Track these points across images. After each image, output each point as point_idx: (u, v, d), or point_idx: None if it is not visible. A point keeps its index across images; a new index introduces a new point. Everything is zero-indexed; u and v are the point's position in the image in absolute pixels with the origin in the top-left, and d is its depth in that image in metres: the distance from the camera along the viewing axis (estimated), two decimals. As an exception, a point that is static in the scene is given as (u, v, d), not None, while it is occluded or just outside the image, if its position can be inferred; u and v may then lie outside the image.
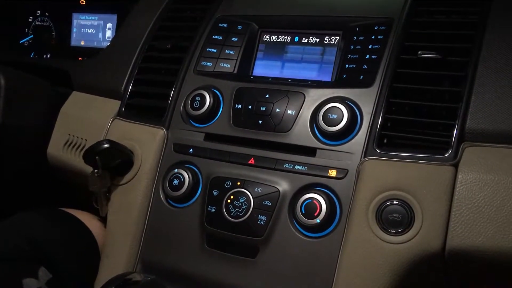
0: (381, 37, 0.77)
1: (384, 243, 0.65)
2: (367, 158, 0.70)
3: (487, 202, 0.62)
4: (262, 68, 0.85)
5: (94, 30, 1.23)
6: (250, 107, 0.79)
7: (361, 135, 0.71)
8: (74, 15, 1.24)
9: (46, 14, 1.28)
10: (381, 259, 0.65)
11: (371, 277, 0.65)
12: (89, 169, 0.82)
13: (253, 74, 0.85)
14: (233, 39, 0.87)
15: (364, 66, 0.76)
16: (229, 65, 0.85)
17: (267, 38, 0.86)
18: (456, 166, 0.65)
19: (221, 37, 0.88)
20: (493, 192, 0.62)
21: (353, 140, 0.72)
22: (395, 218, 0.65)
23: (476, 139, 0.66)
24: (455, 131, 0.67)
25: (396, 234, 0.65)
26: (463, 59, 0.70)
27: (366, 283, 0.65)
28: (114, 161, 0.81)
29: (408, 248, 0.64)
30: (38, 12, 1.28)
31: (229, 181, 0.76)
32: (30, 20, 1.28)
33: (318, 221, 0.69)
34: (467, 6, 0.75)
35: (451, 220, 0.63)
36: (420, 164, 0.66)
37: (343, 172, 0.71)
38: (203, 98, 0.81)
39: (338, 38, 0.81)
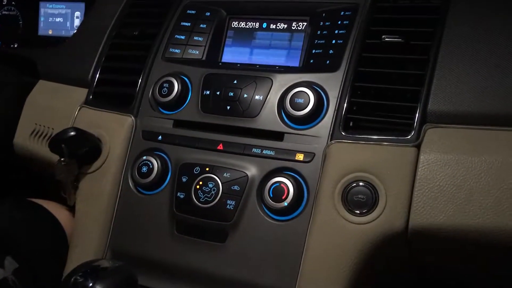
0: (347, 22, 0.78)
1: (349, 223, 0.66)
2: (333, 141, 0.70)
3: (448, 182, 0.63)
4: (231, 54, 0.85)
5: (62, 18, 1.20)
6: (218, 93, 0.79)
7: (328, 119, 0.72)
8: (42, 4, 1.22)
9: (13, 3, 1.24)
10: (347, 239, 0.66)
11: (337, 257, 0.66)
12: (56, 158, 0.81)
13: (222, 60, 0.85)
14: (201, 25, 0.87)
15: (330, 51, 0.77)
16: (197, 52, 0.85)
17: (236, 25, 0.86)
18: (418, 147, 0.66)
19: (189, 24, 0.87)
20: (453, 171, 0.63)
21: (319, 124, 0.72)
22: (360, 199, 0.66)
23: (438, 120, 0.67)
24: (417, 113, 0.68)
25: (361, 214, 0.66)
26: (426, 43, 0.71)
27: (332, 263, 0.66)
28: (81, 149, 0.80)
29: (373, 228, 0.65)
30: (5, 1, 1.25)
31: (197, 167, 0.76)
32: (-4, 9, 1.25)
33: (285, 204, 0.69)
34: (430, -10, 0.76)
35: (413, 200, 0.64)
36: (384, 146, 0.68)
37: (310, 156, 0.71)
38: (171, 85, 0.81)
39: (305, 23, 0.82)
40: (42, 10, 1.22)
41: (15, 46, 1.22)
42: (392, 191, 0.65)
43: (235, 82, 0.78)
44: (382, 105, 0.71)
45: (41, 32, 1.22)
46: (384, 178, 0.66)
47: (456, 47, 0.70)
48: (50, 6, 1.21)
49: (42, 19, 1.22)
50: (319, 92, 0.73)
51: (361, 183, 0.67)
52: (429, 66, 0.70)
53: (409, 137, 0.67)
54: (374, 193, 0.66)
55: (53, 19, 1.21)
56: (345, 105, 0.72)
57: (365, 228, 0.65)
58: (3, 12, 1.24)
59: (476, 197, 0.61)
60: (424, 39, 0.72)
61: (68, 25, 1.20)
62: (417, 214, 0.64)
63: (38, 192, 0.90)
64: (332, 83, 0.74)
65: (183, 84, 0.81)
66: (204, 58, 0.84)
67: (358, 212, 0.66)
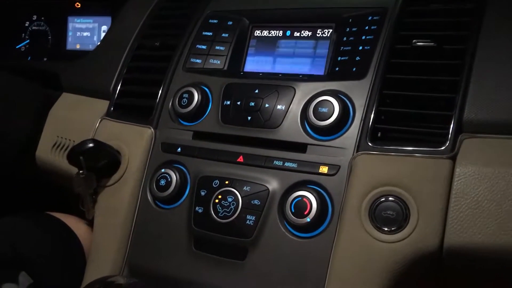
0: (375, 27, 0.74)
1: (377, 242, 0.61)
2: (359, 153, 0.66)
3: (487, 197, 0.57)
4: (253, 64, 0.82)
5: (89, 33, 1.21)
6: (238, 103, 0.76)
7: (354, 129, 0.68)
8: (70, 19, 1.23)
9: (42, 18, 1.27)
10: (375, 259, 0.61)
11: (364, 278, 0.61)
12: (75, 170, 0.79)
13: (244, 70, 0.82)
14: (223, 35, 0.84)
15: (357, 58, 0.73)
16: (219, 62, 0.82)
17: (259, 33, 0.83)
18: (453, 159, 0.61)
19: (211, 33, 0.85)
20: (492, 185, 0.57)
21: (345, 135, 0.68)
22: (389, 215, 0.61)
23: (475, 130, 0.62)
24: (452, 123, 0.63)
25: (391, 232, 0.61)
26: (460, 47, 0.66)
27: (359, 284, 0.61)
28: (100, 161, 0.79)
29: (403, 246, 0.60)
30: (34, 17, 1.27)
31: (217, 180, 0.73)
32: (26, 25, 1.27)
33: (308, 220, 0.65)
34: (464, -8, 0.71)
35: (448, 216, 0.59)
36: (415, 158, 0.63)
37: (335, 168, 0.67)
38: (191, 95, 0.78)
39: (331, 30, 0.78)
40: (70, 25, 1.23)
41: (44, 60, 1.23)
42: (424, 207, 0.60)
43: (257, 91, 0.75)
44: (412, 114, 0.66)
45: (69, 46, 1.23)
46: (416, 192, 0.61)
47: (494, 50, 0.65)
48: (78, 20, 1.22)
49: (70, 33, 1.23)
50: (345, 101, 0.69)
51: (390, 198, 0.62)
52: (465, 72, 0.64)
53: (443, 148, 0.62)
54: (404, 209, 0.61)
55: (80, 33, 1.22)
56: (373, 114, 0.67)
57: (394, 247, 0.60)
58: (33, 28, 1.26)
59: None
60: (458, 43, 0.67)
61: (95, 39, 1.20)
62: (453, 232, 0.58)
63: (59, 206, 0.89)
64: (359, 92, 0.70)
65: (203, 95, 0.78)
66: (225, 68, 0.81)
67: (387, 229, 0.61)
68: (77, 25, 1.23)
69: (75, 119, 0.90)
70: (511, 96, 0.61)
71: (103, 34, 1.19)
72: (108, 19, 1.19)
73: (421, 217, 0.60)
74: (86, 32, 1.22)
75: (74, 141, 0.87)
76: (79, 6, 1.23)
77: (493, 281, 0.64)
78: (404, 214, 0.60)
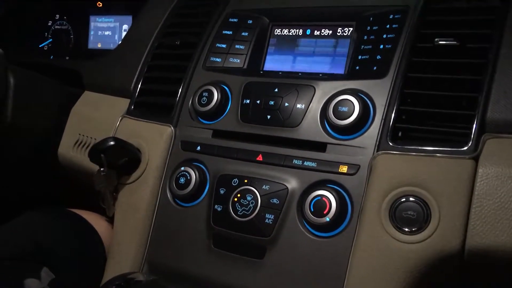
0: (396, 25, 0.73)
1: (398, 242, 0.60)
2: (380, 153, 0.65)
3: (510, 198, 0.56)
4: (273, 62, 0.82)
5: (110, 32, 1.23)
6: (258, 102, 0.76)
7: (374, 129, 0.67)
8: (92, 18, 1.25)
9: (65, 17, 1.28)
10: (395, 259, 0.60)
11: (384, 278, 0.60)
12: (97, 168, 0.80)
13: (264, 69, 0.82)
14: (243, 33, 0.84)
15: (378, 57, 0.72)
16: (238, 60, 0.83)
17: (278, 32, 0.83)
18: (476, 159, 0.60)
19: (231, 32, 0.85)
20: (516, 186, 0.56)
21: (365, 134, 0.68)
22: (409, 215, 0.60)
23: (498, 130, 0.61)
24: (475, 122, 0.62)
25: (411, 233, 0.60)
26: (483, 45, 0.65)
27: (378, 284, 0.60)
28: (121, 159, 0.79)
29: (424, 247, 0.59)
30: (57, 16, 1.29)
31: (236, 179, 0.73)
32: (49, 24, 1.30)
33: (327, 219, 0.65)
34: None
35: (471, 217, 0.58)
36: (437, 158, 0.62)
37: (354, 168, 0.67)
38: (210, 94, 0.78)
39: (351, 29, 0.77)
40: (92, 24, 1.25)
41: (67, 59, 1.25)
42: (446, 208, 0.59)
43: (276, 90, 0.75)
44: (434, 113, 0.65)
45: (90, 45, 1.24)
46: (437, 193, 0.60)
47: (519, 49, 0.63)
48: (100, 20, 1.24)
49: (92, 32, 1.25)
50: (365, 100, 0.68)
51: (411, 198, 0.61)
52: (488, 71, 0.63)
53: (465, 148, 0.61)
54: (425, 209, 0.60)
55: (102, 32, 1.24)
56: (393, 113, 0.66)
57: (415, 248, 0.59)
58: (56, 27, 1.28)
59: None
60: (482, 41, 0.66)
61: (116, 38, 1.22)
62: (475, 233, 0.57)
63: (80, 203, 0.90)
64: (379, 91, 0.69)
65: (222, 93, 0.78)
66: (245, 67, 0.82)
67: (407, 230, 0.60)
68: (99, 24, 1.24)
69: (97, 117, 0.91)
70: (535, 96, 0.60)
71: (124, 33, 1.20)
72: (129, 18, 1.20)
73: (443, 218, 0.59)
74: (108, 31, 1.23)
75: (95, 139, 0.89)
76: (100, 5, 1.24)
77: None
78: (425, 214, 0.60)
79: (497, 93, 0.62)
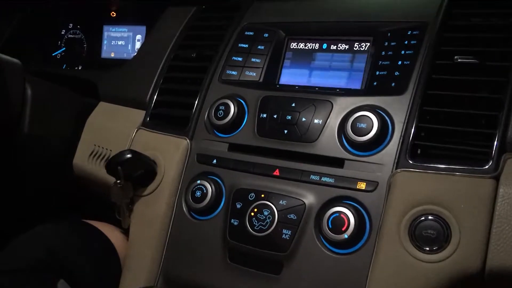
0: (414, 42, 0.73)
1: (417, 261, 0.60)
2: (399, 170, 0.65)
3: (532, 219, 0.56)
4: (289, 76, 0.82)
5: (124, 42, 1.23)
6: (275, 116, 0.76)
7: (393, 146, 0.67)
8: (105, 27, 1.26)
9: (78, 26, 1.29)
10: (414, 278, 0.60)
11: (403, 298, 0.60)
12: (112, 180, 0.81)
13: (280, 82, 0.82)
14: (259, 47, 0.85)
15: (396, 73, 0.72)
16: (254, 74, 0.83)
17: (295, 46, 0.83)
18: (497, 178, 0.60)
19: (247, 45, 0.86)
20: (538, 207, 0.56)
21: (383, 151, 0.68)
22: (429, 234, 0.60)
23: (519, 149, 0.61)
24: (495, 141, 0.62)
25: (431, 252, 0.60)
26: (504, 64, 0.65)
27: (397, 304, 0.60)
28: (137, 171, 0.80)
29: (444, 267, 0.59)
30: (70, 25, 1.30)
31: (252, 193, 0.73)
32: (62, 33, 1.30)
33: (346, 236, 0.64)
34: (507, 8, 0.70)
35: (491, 237, 0.57)
36: (457, 177, 0.62)
37: (373, 185, 0.66)
38: (227, 107, 0.79)
39: (368, 44, 0.77)
40: (105, 34, 1.26)
41: (79, 68, 1.26)
42: (466, 227, 0.59)
43: (293, 105, 0.75)
44: (454, 131, 0.65)
45: (104, 55, 1.25)
46: (458, 212, 0.60)
47: (540, 68, 0.63)
48: (113, 29, 1.25)
49: (105, 42, 1.26)
50: (384, 116, 0.68)
51: (430, 217, 0.61)
52: (509, 89, 0.63)
53: (486, 167, 0.61)
54: (446, 228, 0.60)
55: (115, 42, 1.24)
56: (413, 130, 0.66)
57: (436, 267, 0.59)
58: (69, 36, 1.29)
59: None
60: (502, 59, 0.66)
61: (129, 48, 1.22)
62: (496, 253, 0.57)
63: (95, 214, 0.90)
64: (398, 107, 0.69)
65: (239, 107, 0.78)
66: (261, 80, 0.82)
67: (427, 249, 0.60)
68: (112, 34, 1.25)
69: (112, 128, 0.92)
70: (557, 114, 0.60)
71: (137, 43, 1.21)
72: (143, 28, 1.21)
73: (463, 237, 0.59)
74: (121, 40, 1.24)
75: (111, 150, 0.89)
76: (114, 15, 1.25)
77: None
78: (446, 233, 0.59)
79: (518, 112, 0.62)
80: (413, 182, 0.63)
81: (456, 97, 0.66)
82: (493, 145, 0.62)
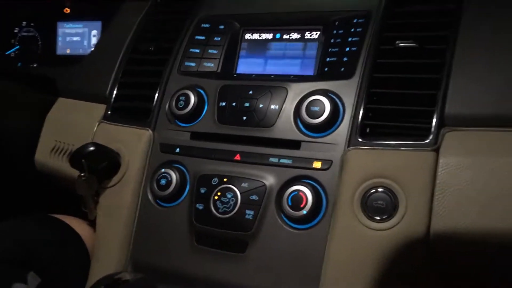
0: (360, 29, 0.78)
1: (369, 230, 0.66)
2: (350, 148, 0.70)
3: (469, 185, 0.62)
4: (246, 65, 0.86)
5: (79, 37, 1.23)
6: (234, 104, 0.79)
7: (344, 126, 0.72)
8: (59, 24, 1.25)
9: (32, 24, 1.28)
10: (368, 246, 0.65)
11: (358, 264, 0.65)
12: (76, 173, 0.82)
13: (237, 72, 0.86)
14: (215, 38, 0.88)
15: (345, 59, 0.77)
16: (212, 64, 0.86)
17: (249, 36, 0.87)
18: (437, 151, 0.66)
19: (203, 37, 0.89)
20: (474, 174, 0.62)
21: (336, 131, 0.72)
22: (380, 205, 0.66)
23: (456, 123, 0.67)
24: (434, 117, 0.68)
25: (382, 221, 0.65)
26: (440, 47, 0.71)
27: (353, 270, 0.65)
28: (101, 164, 0.81)
29: (394, 233, 0.64)
30: (24, 23, 1.28)
31: (215, 178, 0.76)
32: (16, 31, 1.29)
33: (304, 212, 0.69)
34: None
35: (434, 204, 0.63)
36: (402, 151, 0.67)
37: (327, 163, 0.71)
38: (187, 98, 0.81)
39: (318, 32, 0.82)
40: (59, 30, 1.25)
41: (35, 66, 1.25)
42: (412, 196, 0.65)
43: (251, 92, 0.79)
44: (398, 110, 0.70)
45: (59, 51, 1.24)
46: (404, 183, 0.65)
47: (472, 49, 0.70)
48: (68, 26, 1.24)
49: (60, 38, 1.25)
50: (335, 99, 0.73)
51: (380, 189, 0.66)
52: (445, 70, 0.69)
53: (427, 141, 0.67)
54: (393, 198, 0.65)
55: (70, 38, 1.24)
56: (361, 111, 0.71)
57: (386, 234, 0.65)
58: (23, 34, 1.28)
59: (500, 200, 0.60)
60: (439, 42, 0.72)
61: (85, 43, 1.22)
62: (438, 218, 0.63)
63: (60, 208, 0.91)
64: (348, 90, 0.74)
65: (199, 97, 0.82)
66: (219, 70, 0.85)
67: (378, 218, 0.65)
68: (67, 30, 1.24)
69: (73, 123, 0.93)
70: (486, 91, 0.66)
71: (93, 39, 1.21)
72: (98, 24, 1.21)
73: (409, 205, 0.65)
74: (76, 37, 1.23)
75: (73, 144, 0.90)
76: (68, 12, 1.25)
77: (478, 263, 0.69)
78: (393, 203, 0.65)
79: (453, 91, 0.68)
80: (363, 159, 0.69)
81: (399, 78, 0.72)
82: (432, 121, 0.67)
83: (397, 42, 0.73)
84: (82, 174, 0.81)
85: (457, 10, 0.73)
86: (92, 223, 0.86)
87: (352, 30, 0.79)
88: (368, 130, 0.71)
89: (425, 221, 0.63)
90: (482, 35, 0.70)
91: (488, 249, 0.63)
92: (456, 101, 0.67)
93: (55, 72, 1.02)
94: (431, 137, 0.67)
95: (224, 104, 0.80)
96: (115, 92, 0.91)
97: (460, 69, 0.68)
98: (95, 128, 0.89)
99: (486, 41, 0.69)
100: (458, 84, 0.68)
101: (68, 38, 1.24)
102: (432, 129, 0.67)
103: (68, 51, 1.23)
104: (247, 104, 0.78)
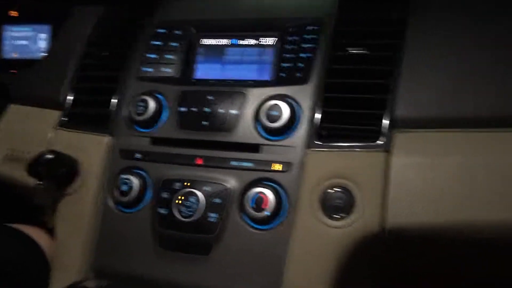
0: (314, 36, 0.81)
1: (329, 228, 0.69)
2: (308, 150, 0.74)
3: (419, 183, 0.67)
4: (204, 71, 0.87)
5: (27, 41, 1.19)
6: (194, 109, 0.81)
7: (302, 129, 0.76)
8: (5, 27, 1.20)
9: (-26, 27, 1.23)
10: (328, 243, 0.69)
11: (319, 261, 0.69)
12: (33, 181, 0.80)
13: (195, 77, 0.87)
14: (172, 44, 0.88)
15: (300, 64, 0.80)
16: (170, 70, 0.87)
17: (206, 42, 0.89)
18: (388, 151, 0.70)
19: (160, 43, 0.89)
20: (423, 173, 0.68)
21: (294, 134, 0.76)
22: (337, 204, 0.70)
23: (405, 125, 0.72)
24: (384, 120, 0.72)
25: (340, 219, 0.69)
26: (388, 54, 0.76)
27: (315, 267, 0.69)
28: (59, 171, 0.80)
29: (352, 231, 0.68)
30: (-35, 26, 1.23)
31: (178, 183, 0.78)
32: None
33: (266, 213, 0.72)
34: (389, 3, 0.81)
35: (387, 202, 0.68)
36: (356, 152, 0.72)
37: (287, 165, 0.74)
38: (146, 103, 0.82)
39: (274, 39, 0.85)
40: (5, 33, 1.21)
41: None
42: (367, 195, 0.69)
43: (211, 97, 0.81)
44: (352, 113, 0.75)
45: (5, 55, 1.20)
46: (359, 182, 0.70)
47: (419, 55, 0.75)
48: (16, 29, 1.20)
49: (6, 42, 1.21)
50: (292, 104, 0.76)
51: (337, 189, 0.70)
52: (394, 75, 0.74)
53: (379, 142, 0.71)
54: (350, 197, 0.69)
55: (17, 42, 1.20)
56: (318, 115, 0.75)
57: (344, 232, 0.69)
58: (-35, 37, 1.22)
59: (447, 196, 0.66)
60: (387, 50, 0.77)
61: (33, 47, 1.19)
62: (392, 215, 0.68)
63: (16, 217, 0.89)
64: (304, 95, 0.77)
65: (158, 102, 0.82)
66: (177, 76, 0.86)
67: (337, 216, 0.69)
68: (14, 34, 1.20)
69: (27, 131, 0.90)
70: (434, 95, 0.72)
71: (41, 42, 1.18)
72: (47, 27, 1.18)
73: (365, 204, 0.69)
74: (24, 40, 1.20)
75: (28, 152, 0.88)
76: (15, 15, 1.21)
77: (432, 256, 0.74)
78: (350, 202, 0.69)
79: (402, 95, 0.73)
80: (321, 160, 0.73)
81: (352, 84, 0.76)
82: (383, 123, 0.72)
83: (348, 49, 0.77)
84: (39, 183, 0.79)
85: (404, 18, 0.78)
86: (52, 232, 0.85)
87: (306, 36, 0.82)
88: (324, 133, 0.75)
89: (379, 218, 0.68)
90: (428, 41, 0.76)
91: (441, 243, 0.68)
92: (404, 104, 0.72)
93: (5, 77, 0.99)
94: (382, 138, 0.71)
95: (184, 109, 0.81)
96: (70, 97, 0.90)
97: (408, 74, 0.74)
98: (51, 135, 0.87)
99: (432, 47, 0.75)
100: (406, 88, 0.73)
101: (14, 42, 1.20)
102: (383, 131, 0.72)
103: (15, 55, 1.20)
104: (207, 109, 0.80)
